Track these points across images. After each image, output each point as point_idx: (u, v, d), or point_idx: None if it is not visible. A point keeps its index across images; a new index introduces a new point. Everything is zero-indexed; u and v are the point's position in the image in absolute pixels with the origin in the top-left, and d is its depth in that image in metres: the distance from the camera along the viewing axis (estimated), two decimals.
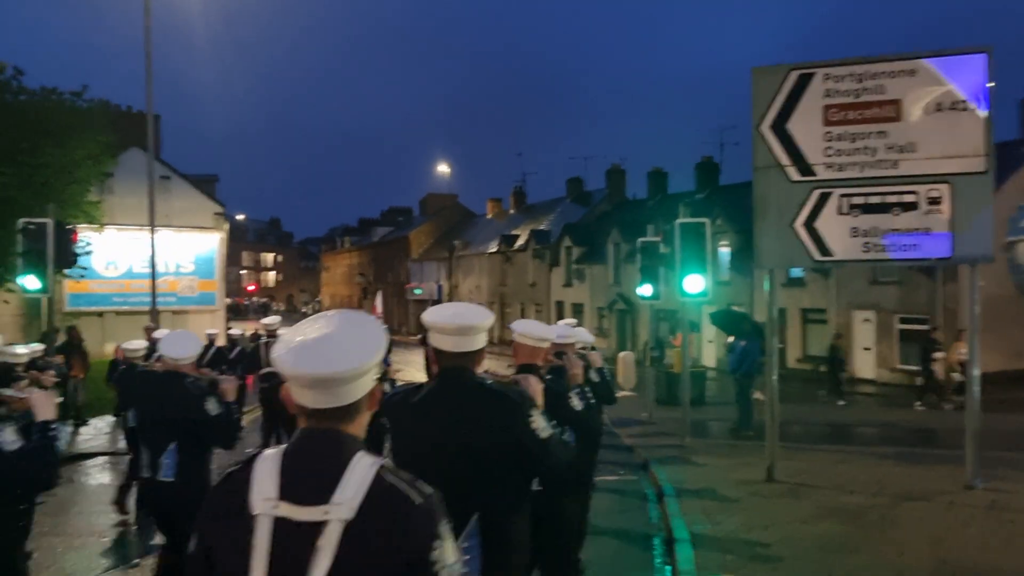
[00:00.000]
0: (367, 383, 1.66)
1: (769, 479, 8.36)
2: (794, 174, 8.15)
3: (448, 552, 1.60)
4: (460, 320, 2.66)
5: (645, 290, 13.84)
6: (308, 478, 1.58)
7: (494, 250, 42.80)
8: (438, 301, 47.62)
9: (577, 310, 35.45)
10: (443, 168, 53.26)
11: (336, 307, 53.99)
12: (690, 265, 10.99)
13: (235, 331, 19.31)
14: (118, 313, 31.40)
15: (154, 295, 18.21)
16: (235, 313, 68.70)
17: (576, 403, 3.75)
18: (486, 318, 2.73)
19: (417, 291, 50.02)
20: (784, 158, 8.16)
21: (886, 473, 8.85)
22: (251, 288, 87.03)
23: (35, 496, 3.52)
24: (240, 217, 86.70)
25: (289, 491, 1.57)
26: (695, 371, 15.84)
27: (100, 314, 31.39)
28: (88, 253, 24.87)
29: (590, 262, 34.56)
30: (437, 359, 2.71)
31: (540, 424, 2.66)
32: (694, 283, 10.99)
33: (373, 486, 1.57)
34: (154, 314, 18.40)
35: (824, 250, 8.08)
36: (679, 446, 10.96)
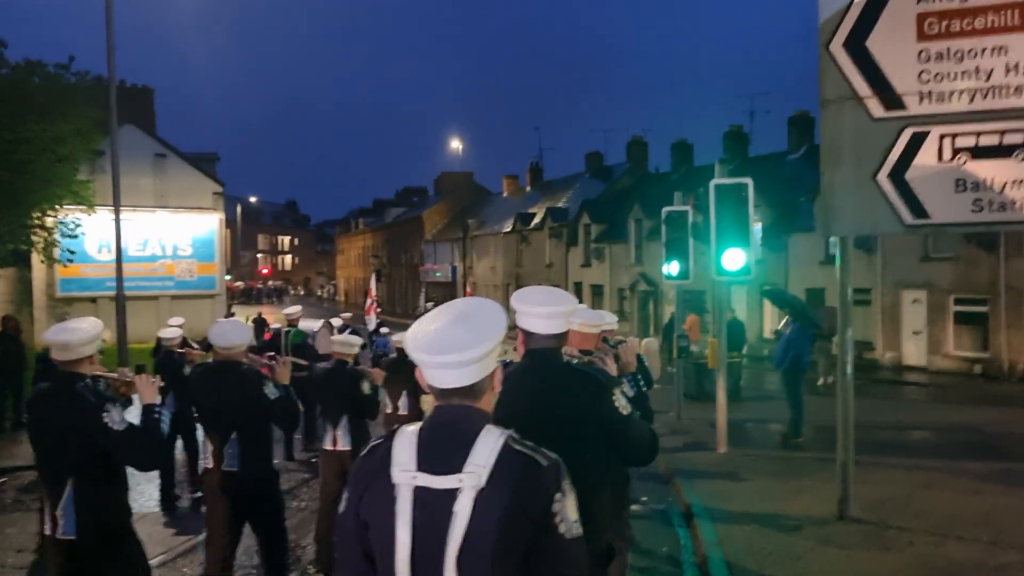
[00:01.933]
0: (489, 364, 1.79)
1: (841, 516, 6.32)
2: (877, 108, 6.03)
3: (569, 508, 1.73)
4: (552, 303, 2.74)
5: (671, 268, 11.76)
6: (442, 450, 1.72)
7: (509, 229, 40.76)
8: (452, 283, 45.82)
9: (596, 291, 33.40)
10: (455, 144, 51.11)
11: (351, 290, 51.85)
12: (729, 236, 8.91)
13: (235, 319, 17.72)
14: (112, 299, 29.74)
15: (120, 279, 16.42)
16: (247, 297, 67.32)
17: (628, 390, 3.55)
18: (574, 301, 2.86)
19: (437, 273, 48.06)
20: (863, 87, 6.04)
21: (992, 504, 6.78)
22: (265, 272, 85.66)
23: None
24: (253, 199, 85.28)
25: (426, 462, 1.71)
26: (730, 362, 13.69)
27: (94, 300, 29.72)
28: (75, 236, 23.33)
29: (610, 240, 32.44)
30: (526, 340, 2.77)
31: (622, 402, 2.80)
32: (734, 258, 8.91)
33: (502, 454, 1.70)
34: (120, 298, 16.68)
35: (918, 210, 5.97)
36: (715, 458, 8.96)
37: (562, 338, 2.78)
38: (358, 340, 6.59)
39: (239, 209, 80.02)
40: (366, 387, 6.02)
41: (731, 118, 69.01)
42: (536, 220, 38.57)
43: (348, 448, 5.87)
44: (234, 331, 4.71)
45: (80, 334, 3.50)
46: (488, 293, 44.19)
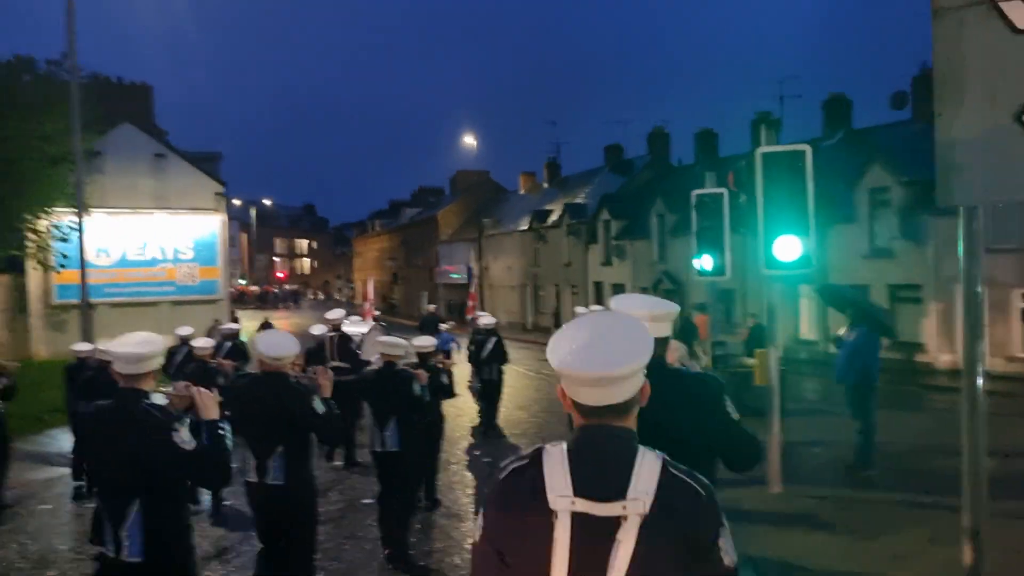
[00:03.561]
0: (640, 380, 1.74)
1: None
2: (1022, 15, 4.11)
3: (729, 537, 1.71)
4: (656, 308, 2.67)
5: (704, 262, 9.87)
6: (600, 474, 1.65)
7: (525, 228, 38.91)
8: (466, 285, 44.07)
9: (618, 291, 31.47)
10: (469, 140, 49.33)
11: (373, 293, 51.25)
12: (781, 219, 7.03)
13: (232, 325, 16.43)
14: (112, 305, 28.32)
15: (84, 285, 14.89)
16: (263, 302, 66.04)
17: None
18: (676, 307, 2.80)
19: (455, 275, 46.26)
20: None
21: None
22: (280, 275, 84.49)
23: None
24: (267, 202, 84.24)
25: (583, 487, 1.63)
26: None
27: (92, 306, 28.19)
28: (67, 240, 21.92)
29: (631, 237, 30.51)
30: None
31: (731, 407, 2.77)
32: (788, 247, 7.03)
33: (662, 479, 1.63)
34: (85, 307, 15.16)
35: None
36: (769, 501, 7.07)
37: (666, 343, 2.71)
38: (404, 342, 6.59)
39: (253, 213, 78.98)
40: (416, 388, 6.07)
41: (759, 105, 66.27)
42: (553, 217, 36.73)
43: (397, 449, 5.97)
44: (285, 342, 4.62)
45: (149, 347, 3.41)
46: (504, 294, 42.37)
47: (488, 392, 11.84)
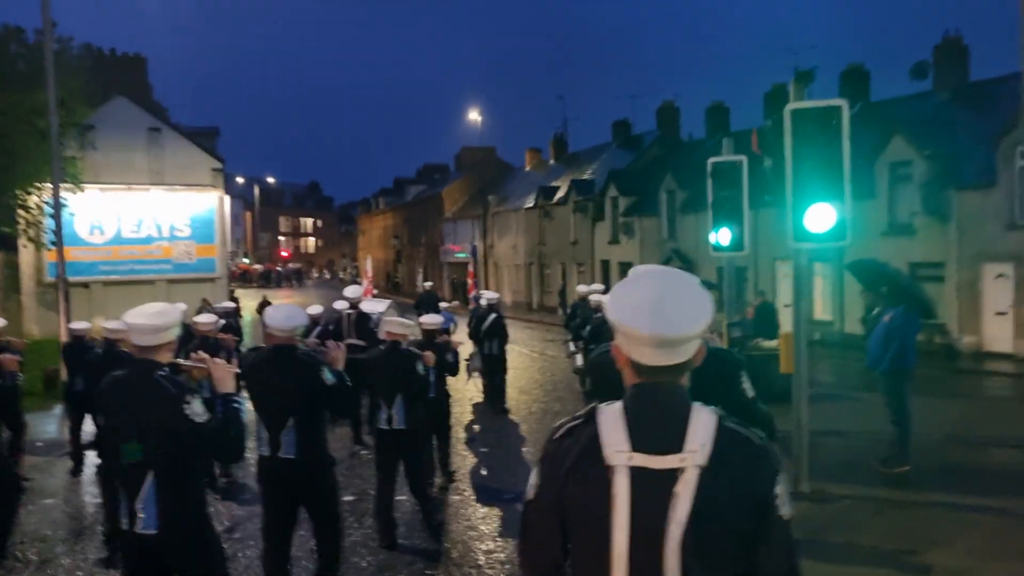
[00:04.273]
0: (699, 341, 1.72)
1: None
2: None
3: (786, 486, 1.68)
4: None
5: (722, 237, 9.06)
6: (657, 429, 1.65)
7: (531, 205, 38.04)
8: (473, 262, 43.31)
9: (625, 270, 30.52)
10: (474, 116, 48.33)
11: (374, 272, 50.34)
12: (814, 185, 6.22)
13: (227, 303, 16.07)
14: (106, 284, 27.64)
15: (61, 262, 14.22)
16: (266, 281, 65.45)
17: None
18: (697, 280, 2.55)
19: (459, 254, 45.40)
20: None
21: None
22: (284, 254, 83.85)
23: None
24: (271, 180, 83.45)
25: (641, 442, 1.64)
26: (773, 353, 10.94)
27: (86, 285, 27.46)
28: (50, 216, 21.31)
29: (640, 214, 29.63)
30: None
31: (748, 384, 2.91)
32: (821, 216, 6.23)
33: (718, 432, 1.64)
34: (63, 282, 14.48)
35: None
36: (797, 502, 6.34)
37: None
38: (411, 322, 6.53)
39: (257, 191, 78.22)
40: (420, 367, 6.14)
41: (773, 77, 64.60)
42: (560, 194, 35.83)
43: (403, 427, 6.02)
44: (293, 315, 4.65)
45: (167, 318, 3.37)
46: (510, 273, 41.63)
47: (492, 368, 11.68)
